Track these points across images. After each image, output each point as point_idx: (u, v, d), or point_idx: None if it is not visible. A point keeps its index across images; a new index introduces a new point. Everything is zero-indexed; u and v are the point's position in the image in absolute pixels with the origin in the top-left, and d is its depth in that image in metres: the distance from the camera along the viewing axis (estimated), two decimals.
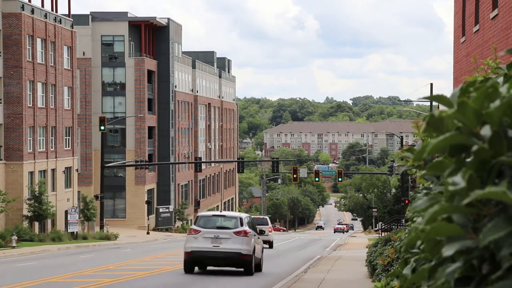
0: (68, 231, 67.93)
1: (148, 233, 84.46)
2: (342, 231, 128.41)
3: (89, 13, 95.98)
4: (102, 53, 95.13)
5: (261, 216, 58.64)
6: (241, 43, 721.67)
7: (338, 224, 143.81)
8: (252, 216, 43.03)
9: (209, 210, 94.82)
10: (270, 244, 50.29)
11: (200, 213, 31.00)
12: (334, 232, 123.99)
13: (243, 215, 29.56)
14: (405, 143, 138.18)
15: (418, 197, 2.38)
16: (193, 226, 28.45)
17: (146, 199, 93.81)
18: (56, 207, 70.01)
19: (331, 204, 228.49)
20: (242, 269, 28.43)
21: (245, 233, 27.79)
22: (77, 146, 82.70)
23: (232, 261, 27.87)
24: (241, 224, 28.14)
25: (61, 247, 54.80)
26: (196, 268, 29.02)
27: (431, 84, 58.33)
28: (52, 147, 73.18)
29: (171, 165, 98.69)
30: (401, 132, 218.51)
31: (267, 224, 51.66)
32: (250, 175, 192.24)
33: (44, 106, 71.83)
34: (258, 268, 29.33)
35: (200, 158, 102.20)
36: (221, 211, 32.85)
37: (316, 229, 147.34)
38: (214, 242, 27.67)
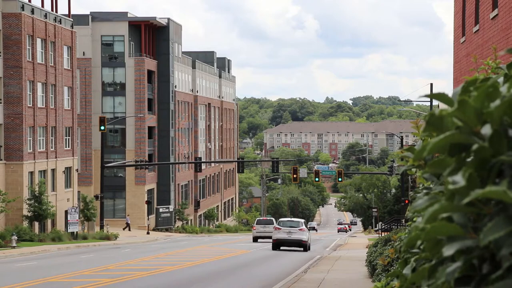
0: (68, 231, 67.93)
1: (148, 233, 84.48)
2: (345, 230, 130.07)
3: (89, 13, 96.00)
4: (102, 53, 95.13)
5: (268, 218, 69.17)
6: (240, 43, 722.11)
7: (339, 224, 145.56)
8: (261, 218, 69.51)
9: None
10: None
11: (280, 219, 54.86)
12: (338, 232, 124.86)
13: (302, 220, 52.47)
14: (405, 143, 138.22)
15: (418, 197, 2.38)
16: (276, 225, 51.23)
17: (146, 199, 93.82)
18: (56, 207, 70.02)
19: (331, 204, 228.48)
20: (301, 249, 49.82)
21: (304, 230, 50.17)
22: (77, 146, 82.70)
23: (297, 244, 49.82)
24: (302, 225, 50.79)
25: (61, 247, 54.80)
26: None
27: (431, 84, 58.31)
28: (52, 147, 73.18)
29: (171, 165, 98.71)
30: (401, 132, 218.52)
31: (273, 224, 62.42)
32: (250, 175, 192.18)
33: (44, 106, 71.83)
34: (309, 248, 50.86)
35: (200, 158, 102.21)
36: (291, 218, 56.36)
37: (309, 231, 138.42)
38: (288, 234, 49.49)
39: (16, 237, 54.82)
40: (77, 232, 68.89)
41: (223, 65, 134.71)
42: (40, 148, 70.80)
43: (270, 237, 58.69)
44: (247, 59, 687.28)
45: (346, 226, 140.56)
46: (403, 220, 55.83)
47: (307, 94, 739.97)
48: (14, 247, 53.01)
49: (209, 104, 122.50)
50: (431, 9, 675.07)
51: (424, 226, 1.92)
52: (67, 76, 77.29)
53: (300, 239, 49.47)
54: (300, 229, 49.97)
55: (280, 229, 49.90)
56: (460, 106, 1.90)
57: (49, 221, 70.42)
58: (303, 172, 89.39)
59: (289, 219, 53.43)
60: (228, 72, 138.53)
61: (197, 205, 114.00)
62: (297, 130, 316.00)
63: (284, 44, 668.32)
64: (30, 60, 68.79)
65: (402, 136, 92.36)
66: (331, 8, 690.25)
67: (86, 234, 70.69)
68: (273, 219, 67.62)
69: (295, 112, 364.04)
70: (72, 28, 79.19)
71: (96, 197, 75.46)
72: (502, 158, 1.85)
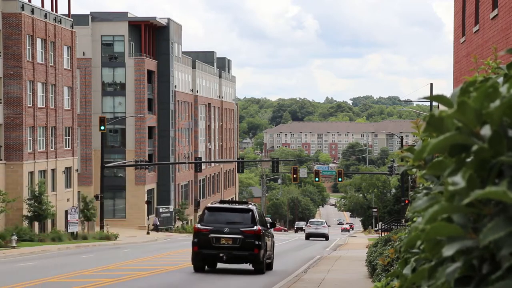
0: (68, 231, 67.93)
1: (148, 233, 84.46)
2: (348, 230, 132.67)
3: (89, 13, 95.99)
4: (102, 53, 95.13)
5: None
6: (240, 43, 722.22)
7: (340, 223, 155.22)
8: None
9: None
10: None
11: (310, 220, 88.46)
12: (342, 232, 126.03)
13: (324, 220, 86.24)
14: (405, 143, 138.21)
15: (418, 197, 2.38)
16: (308, 224, 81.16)
17: (146, 199, 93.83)
18: (56, 207, 70.01)
19: (332, 204, 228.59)
20: (324, 239, 75.10)
21: (325, 227, 79.12)
22: (77, 146, 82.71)
23: (321, 236, 75.81)
24: (325, 223, 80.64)
25: (61, 247, 54.80)
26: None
27: (431, 84, 58.32)
28: (52, 147, 73.18)
29: (171, 165, 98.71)
30: (401, 132, 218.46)
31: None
32: (250, 175, 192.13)
33: (44, 106, 71.84)
34: (328, 238, 76.10)
35: (200, 158, 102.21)
36: (317, 219, 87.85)
37: (296, 232, 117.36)
38: (315, 229, 76.93)
39: (16, 237, 54.81)
40: (77, 232, 68.89)
41: (223, 65, 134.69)
42: (40, 148, 70.81)
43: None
44: (247, 59, 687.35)
45: (348, 226, 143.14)
46: (403, 220, 55.84)
47: (307, 94, 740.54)
48: (14, 247, 53.01)
49: (209, 104, 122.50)
50: (431, 9, 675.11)
51: (424, 226, 1.92)
52: (67, 76, 77.30)
53: (323, 232, 77.07)
54: (323, 226, 78.91)
55: (311, 226, 78.97)
56: (460, 107, 1.91)
57: (49, 221, 70.42)
58: (303, 172, 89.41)
59: (316, 219, 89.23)
60: (228, 72, 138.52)
61: (197, 205, 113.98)
62: (297, 130, 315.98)
63: (284, 44, 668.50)
64: (30, 60, 68.80)
65: (402, 136, 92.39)
66: (331, 8, 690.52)
67: (86, 234, 70.69)
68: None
69: (295, 112, 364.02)
70: (72, 28, 79.20)
71: (96, 197, 75.45)
72: (502, 159, 1.85)
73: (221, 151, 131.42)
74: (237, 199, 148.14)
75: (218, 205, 28.80)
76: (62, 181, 75.22)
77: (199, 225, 28.11)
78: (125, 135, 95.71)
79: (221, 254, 27.43)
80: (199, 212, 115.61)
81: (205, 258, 27.90)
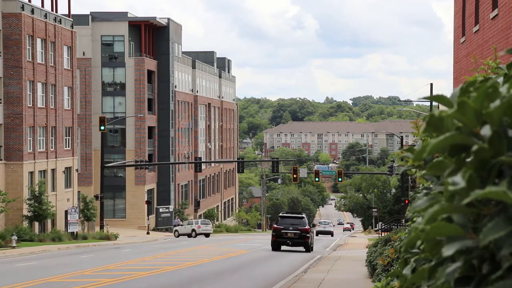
0: (68, 231, 67.92)
1: (148, 233, 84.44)
2: (349, 229, 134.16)
3: (89, 13, 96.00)
4: (102, 53, 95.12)
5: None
6: (240, 43, 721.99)
7: (340, 223, 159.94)
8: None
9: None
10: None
11: (319, 220, 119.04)
12: (344, 231, 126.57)
13: (330, 221, 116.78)
14: (405, 143, 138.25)
15: (418, 197, 2.38)
16: (317, 223, 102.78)
17: (146, 199, 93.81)
18: (56, 207, 70.00)
19: (331, 204, 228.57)
20: (330, 235, 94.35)
21: (331, 226, 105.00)
22: (77, 146, 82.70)
23: (328, 233, 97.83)
24: (331, 223, 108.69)
25: (61, 247, 54.79)
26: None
27: (431, 84, 58.31)
28: (52, 147, 73.17)
29: (171, 165, 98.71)
30: (401, 132, 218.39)
31: None
32: (250, 175, 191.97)
33: (44, 106, 71.83)
34: (333, 235, 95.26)
35: (200, 158, 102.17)
36: (325, 220, 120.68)
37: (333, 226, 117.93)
38: (323, 227, 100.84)
39: (16, 237, 54.80)
40: (77, 232, 68.88)
41: (223, 65, 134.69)
42: (40, 148, 70.79)
43: None
44: (246, 59, 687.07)
45: (349, 225, 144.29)
46: (403, 220, 55.84)
47: (307, 94, 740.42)
48: (14, 247, 53.01)
49: (209, 104, 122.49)
50: (431, 9, 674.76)
51: (424, 226, 1.92)
52: (67, 76, 77.29)
53: (329, 230, 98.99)
54: (329, 225, 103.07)
55: (320, 225, 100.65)
56: (460, 107, 1.91)
57: (49, 221, 70.41)
58: (303, 172, 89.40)
59: (324, 220, 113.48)
60: (228, 72, 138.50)
61: (197, 205, 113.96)
62: (297, 130, 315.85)
63: (284, 44, 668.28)
64: (30, 60, 68.78)
65: (402, 136, 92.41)
66: (331, 8, 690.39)
67: (86, 234, 70.67)
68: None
69: (295, 112, 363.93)
70: (72, 28, 79.19)
71: (96, 197, 75.43)
72: (502, 159, 1.85)
73: (221, 151, 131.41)
74: (236, 200, 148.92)
75: (285, 214, 48.81)
76: (62, 181, 75.21)
77: (275, 225, 47.24)
78: (125, 135, 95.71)
79: (288, 241, 46.73)
80: (199, 212, 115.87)
81: (278, 243, 47.03)
